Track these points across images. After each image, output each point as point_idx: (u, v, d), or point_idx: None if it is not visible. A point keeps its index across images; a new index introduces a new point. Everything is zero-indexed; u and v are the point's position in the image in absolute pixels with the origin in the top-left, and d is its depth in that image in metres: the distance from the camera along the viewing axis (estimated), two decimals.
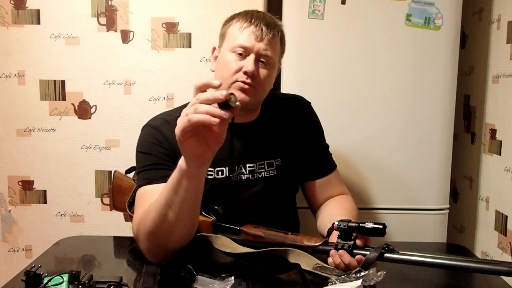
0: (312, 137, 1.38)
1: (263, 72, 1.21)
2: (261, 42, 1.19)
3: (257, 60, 1.20)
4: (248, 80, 1.18)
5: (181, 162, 0.97)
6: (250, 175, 1.28)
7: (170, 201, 1.00)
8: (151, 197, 1.10)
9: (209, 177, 1.23)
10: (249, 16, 1.22)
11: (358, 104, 1.67)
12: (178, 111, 1.25)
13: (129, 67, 1.86)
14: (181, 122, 0.91)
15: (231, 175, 1.26)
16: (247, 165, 1.28)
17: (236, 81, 1.19)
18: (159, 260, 1.09)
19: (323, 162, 1.38)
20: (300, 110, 1.38)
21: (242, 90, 1.19)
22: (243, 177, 1.27)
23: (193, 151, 0.93)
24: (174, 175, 0.99)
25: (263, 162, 1.29)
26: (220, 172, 1.26)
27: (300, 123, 1.36)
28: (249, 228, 1.17)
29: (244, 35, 1.19)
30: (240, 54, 1.20)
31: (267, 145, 1.31)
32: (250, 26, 1.20)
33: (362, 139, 1.69)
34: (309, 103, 1.41)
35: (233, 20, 1.24)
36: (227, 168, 1.26)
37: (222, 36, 1.26)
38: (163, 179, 1.10)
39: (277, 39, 1.23)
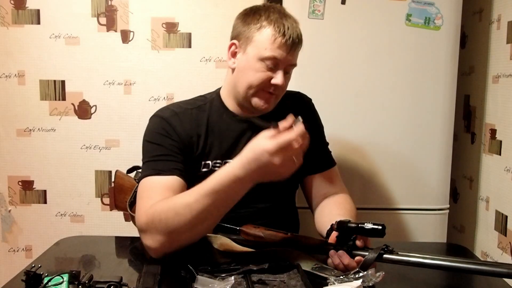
0: (314, 132, 1.36)
1: (286, 80, 1.24)
2: (290, 54, 1.20)
3: (284, 71, 1.21)
4: (274, 92, 1.22)
5: (245, 175, 1.02)
6: None
7: (218, 206, 1.06)
8: (159, 188, 1.13)
9: (217, 169, 1.20)
10: (280, 24, 1.18)
11: (358, 104, 1.67)
12: (187, 103, 1.28)
13: (129, 67, 1.86)
14: (292, 167, 1.02)
15: None
16: None
17: (263, 90, 1.21)
18: (163, 254, 1.10)
19: (323, 157, 1.39)
20: (302, 105, 1.39)
21: (266, 99, 1.22)
22: None
23: None
24: (228, 187, 1.03)
25: None
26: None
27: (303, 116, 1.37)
28: (249, 228, 1.17)
29: (276, 47, 1.17)
30: (269, 65, 1.19)
31: None
32: (283, 38, 1.17)
33: (361, 139, 1.68)
34: (310, 99, 1.42)
35: (262, 24, 1.19)
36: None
37: (247, 39, 1.21)
38: (172, 172, 1.16)
39: (302, 44, 1.24)
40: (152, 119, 1.27)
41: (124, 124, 1.89)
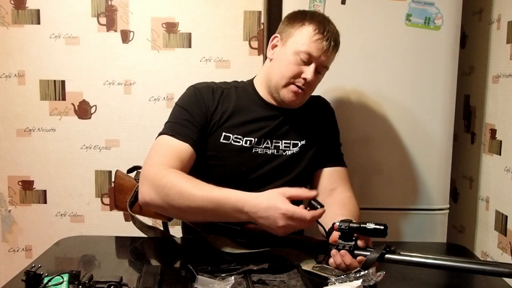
0: (330, 130, 1.47)
1: (316, 80, 1.32)
2: (325, 55, 1.28)
3: (315, 69, 1.28)
4: (303, 86, 1.29)
5: (248, 213, 1.09)
6: (275, 151, 1.35)
7: (212, 214, 1.14)
8: (169, 149, 1.25)
9: (237, 144, 1.32)
10: (322, 25, 1.28)
11: (358, 104, 1.67)
12: (222, 83, 1.40)
13: (129, 67, 1.86)
14: (289, 232, 1.09)
15: (257, 146, 1.33)
16: (274, 141, 1.35)
17: (293, 83, 1.29)
18: (147, 207, 1.24)
19: (335, 155, 1.44)
20: (323, 105, 1.49)
21: (295, 92, 1.30)
22: (268, 151, 1.34)
23: None
24: (230, 209, 1.11)
25: (289, 142, 1.36)
26: (248, 142, 1.32)
27: (323, 116, 1.46)
28: (250, 229, 1.17)
29: (314, 45, 1.26)
30: (303, 59, 1.27)
31: (295, 128, 1.38)
32: (322, 38, 1.26)
33: (362, 139, 1.68)
34: (329, 102, 1.51)
35: (305, 23, 1.29)
36: (255, 139, 1.33)
37: (289, 34, 1.31)
38: (186, 139, 1.26)
39: (337, 51, 1.33)
40: (188, 88, 1.37)
41: (124, 124, 1.89)
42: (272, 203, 1.06)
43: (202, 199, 1.12)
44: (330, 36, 1.27)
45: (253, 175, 1.32)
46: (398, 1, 1.63)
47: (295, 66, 1.28)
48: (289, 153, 1.35)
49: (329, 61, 1.31)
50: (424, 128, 1.69)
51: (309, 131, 1.39)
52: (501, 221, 1.66)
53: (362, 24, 1.65)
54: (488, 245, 1.76)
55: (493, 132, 1.72)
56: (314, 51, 1.26)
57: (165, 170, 1.19)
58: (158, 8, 1.84)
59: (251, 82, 1.41)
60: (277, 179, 1.34)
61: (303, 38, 1.27)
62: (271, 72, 1.33)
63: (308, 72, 1.27)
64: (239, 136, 1.32)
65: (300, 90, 1.30)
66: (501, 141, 1.67)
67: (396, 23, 1.64)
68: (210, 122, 1.31)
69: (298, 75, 1.28)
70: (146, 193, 1.20)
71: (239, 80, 1.44)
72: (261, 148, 1.33)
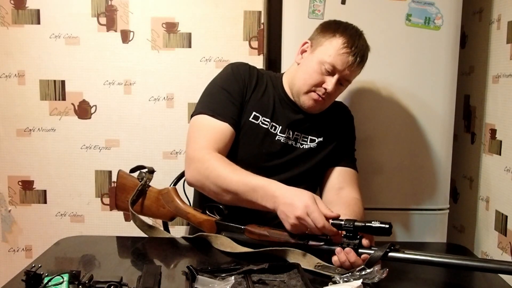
0: (348, 134, 1.51)
1: (337, 90, 1.36)
2: (349, 69, 1.31)
3: (338, 81, 1.32)
4: (323, 96, 1.33)
5: (275, 203, 1.14)
6: (294, 142, 1.40)
7: (245, 197, 1.20)
8: (210, 131, 1.30)
9: (264, 126, 1.37)
10: (352, 39, 1.30)
11: (358, 104, 1.67)
12: (260, 68, 1.46)
13: (129, 67, 1.86)
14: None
15: (280, 135, 1.38)
16: (295, 133, 1.40)
17: (314, 91, 1.33)
18: (192, 185, 1.31)
19: (348, 157, 1.47)
20: (344, 111, 1.54)
21: (315, 100, 1.34)
22: (288, 141, 1.39)
23: None
24: (263, 193, 1.16)
25: (307, 137, 1.41)
26: (274, 127, 1.38)
27: (342, 120, 1.51)
28: (254, 228, 1.17)
29: (339, 58, 1.29)
30: (327, 69, 1.30)
31: (315, 126, 1.42)
32: (349, 53, 1.29)
33: (362, 139, 1.68)
34: (350, 110, 1.56)
35: (336, 34, 1.31)
36: (280, 127, 1.38)
37: (319, 42, 1.33)
38: (226, 119, 1.31)
39: (362, 67, 1.36)
40: (226, 67, 1.42)
41: (124, 124, 1.88)
42: (302, 192, 1.12)
43: (239, 182, 1.19)
44: (357, 52, 1.29)
45: (270, 160, 1.37)
46: (398, 1, 1.63)
47: (318, 75, 1.31)
48: (306, 147, 1.41)
49: (353, 76, 1.35)
50: (424, 128, 1.69)
51: (328, 130, 1.44)
52: (501, 221, 1.66)
53: (362, 24, 1.63)
54: (488, 245, 1.76)
55: (493, 132, 1.72)
56: (339, 64, 1.29)
57: (208, 155, 1.26)
58: (158, 8, 1.84)
59: (280, 78, 1.45)
60: (290, 169, 1.38)
61: (331, 49, 1.29)
62: (295, 76, 1.37)
63: (330, 83, 1.30)
64: (267, 119, 1.37)
65: (320, 99, 1.33)
66: (501, 141, 1.67)
67: (396, 23, 1.64)
68: (245, 97, 1.36)
69: (319, 84, 1.31)
70: (191, 175, 1.29)
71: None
72: (284, 137, 1.38)
